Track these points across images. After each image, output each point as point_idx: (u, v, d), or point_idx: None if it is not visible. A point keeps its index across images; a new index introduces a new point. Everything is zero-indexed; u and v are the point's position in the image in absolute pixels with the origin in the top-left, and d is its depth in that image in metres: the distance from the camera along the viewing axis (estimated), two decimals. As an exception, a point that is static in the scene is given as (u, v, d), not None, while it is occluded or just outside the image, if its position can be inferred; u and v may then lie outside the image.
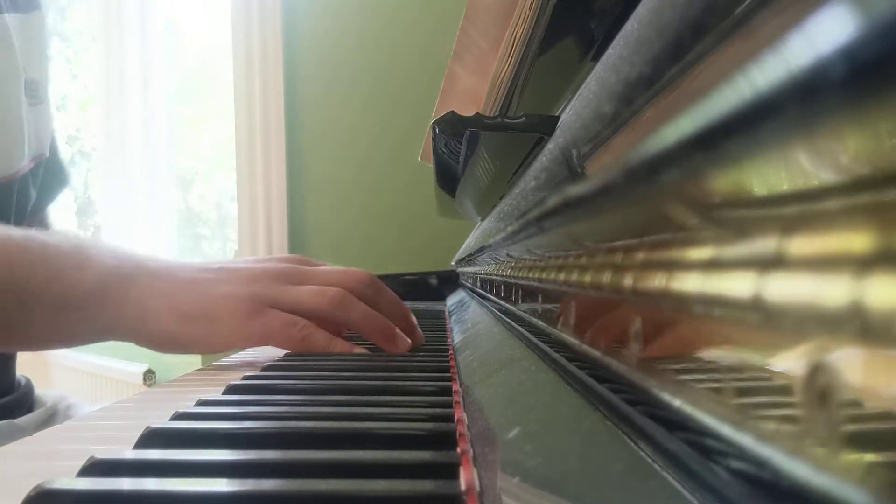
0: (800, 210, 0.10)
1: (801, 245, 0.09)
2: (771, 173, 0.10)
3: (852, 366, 0.08)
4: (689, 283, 0.13)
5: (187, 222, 2.35)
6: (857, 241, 0.08)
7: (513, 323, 0.42)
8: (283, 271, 0.51)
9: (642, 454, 0.16)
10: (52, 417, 0.76)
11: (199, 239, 2.39)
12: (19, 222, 0.76)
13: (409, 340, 0.51)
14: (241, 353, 0.59)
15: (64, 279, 0.48)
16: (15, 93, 0.70)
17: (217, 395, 0.34)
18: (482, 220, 0.68)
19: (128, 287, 0.48)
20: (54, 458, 0.27)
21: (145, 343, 0.50)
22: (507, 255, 0.43)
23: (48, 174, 0.82)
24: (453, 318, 0.74)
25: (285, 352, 0.50)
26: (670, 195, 0.14)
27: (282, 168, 1.76)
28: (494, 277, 0.52)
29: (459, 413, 0.28)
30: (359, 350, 0.49)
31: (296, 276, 0.51)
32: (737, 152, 0.11)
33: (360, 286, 0.51)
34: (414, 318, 0.53)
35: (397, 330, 0.50)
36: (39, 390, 0.82)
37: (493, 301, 0.54)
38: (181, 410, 0.29)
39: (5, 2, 0.68)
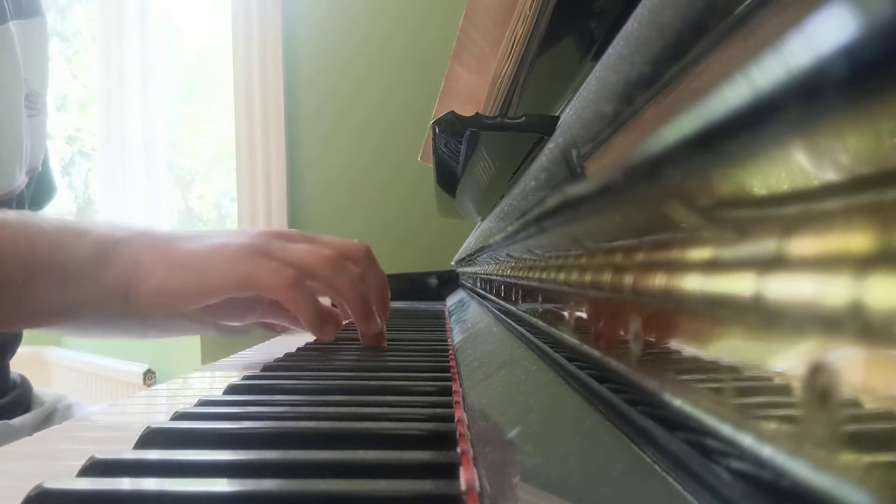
0: (800, 210, 0.10)
1: (801, 245, 0.09)
2: (771, 173, 0.10)
3: (852, 366, 0.08)
4: (690, 283, 0.13)
5: (187, 222, 2.35)
6: (857, 241, 0.08)
7: (513, 323, 0.42)
8: (281, 232, 0.52)
9: (643, 454, 0.16)
10: (49, 417, 0.75)
11: (199, 239, 2.38)
12: None
13: (379, 324, 0.52)
14: (241, 353, 0.59)
15: (65, 250, 0.49)
16: (17, 108, 0.69)
17: (217, 395, 0.33)
18: (482, 220, 0.68)
19: (124, 247, 0.49)
20: (54, 458, 0.27)
21: (140, 299, 0.49)
22: (507, 255, 0.43)
23: (40, 187, 0.82)
24: (453, 318, 0.74)
25: (286, 352, 0.50)
26: (670, 195, 0.14)
27: (282, 168, 1.76)
28: (494, 277, 0.52)
29: (459, 413, 0.28)
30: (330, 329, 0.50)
31: (294, 237, 0.52)
32: (736, 152, 0.11)
33: (356, 254, 0.52)
34: (388, 304, 0.54)
35: (374, 309, 0.51)
36: (38, 389, 0.81)
37: (493, 301, 0.54)
38: (181, 410, 0.29)
39: (10, 8, 0.67)
